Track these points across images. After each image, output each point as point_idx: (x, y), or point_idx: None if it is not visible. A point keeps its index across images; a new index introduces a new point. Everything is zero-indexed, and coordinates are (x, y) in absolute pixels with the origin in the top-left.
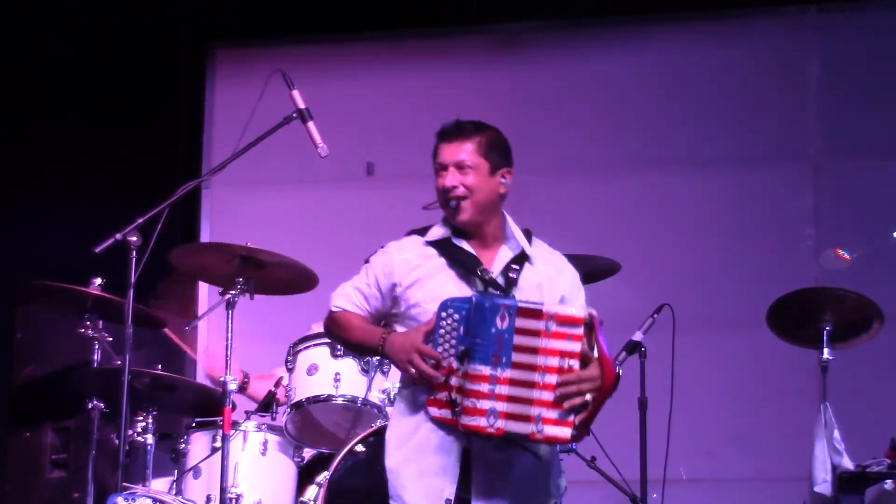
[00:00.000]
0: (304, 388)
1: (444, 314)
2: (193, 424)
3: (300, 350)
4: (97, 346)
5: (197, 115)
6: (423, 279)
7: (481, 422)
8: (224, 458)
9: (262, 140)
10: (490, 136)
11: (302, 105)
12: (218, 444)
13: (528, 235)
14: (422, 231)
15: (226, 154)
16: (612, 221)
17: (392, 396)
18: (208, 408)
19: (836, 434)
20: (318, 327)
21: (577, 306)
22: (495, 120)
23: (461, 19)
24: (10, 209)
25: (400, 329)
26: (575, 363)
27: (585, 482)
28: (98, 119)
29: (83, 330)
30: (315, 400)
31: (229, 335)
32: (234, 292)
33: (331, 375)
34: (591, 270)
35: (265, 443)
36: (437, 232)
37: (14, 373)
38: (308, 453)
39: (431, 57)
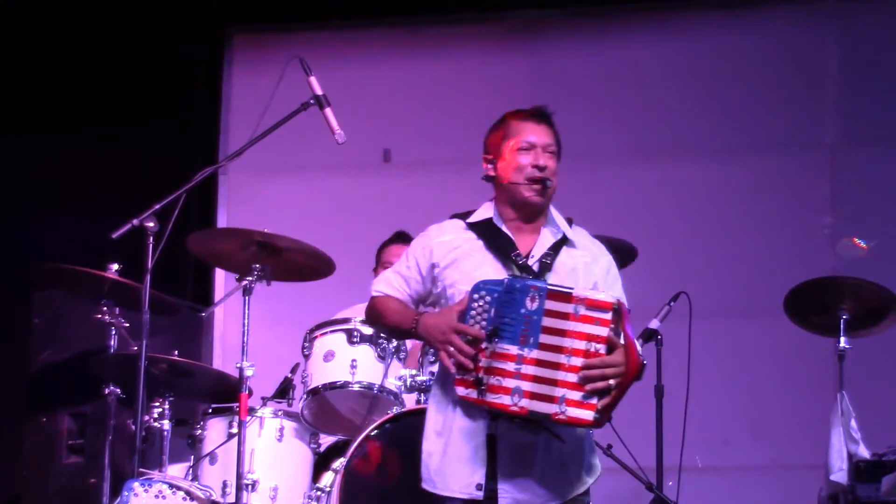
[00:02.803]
0: (320, 374)
1: (476, 296)
2: (210, 410)
3: (316, 336)
4: (114, 332)
5: (214, 101)
6: (460, 260)
7: (505, 399)
8: (240, 445)
9: (279, 126)
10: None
11: (319, 91)
12: (234, 430)
13: (570, 222)
14: (464, 215)
15: (243, 140)
16: (630, 209)
17: (408, 383)
18: (225, 394)
19: (853, 423)
20: (349, 313)
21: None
22: (512, 105)
23: (480, 6)
24: (27, 195)
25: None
26: (601, 347)
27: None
28: (115, 105)
29: (100, 315)
30: (331, 386)
31: (246, 321)
32: (250, 278)
33: (347, 362)
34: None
35: (281, 429)
36: (484, 212)
37: (31, 358)
38: (325, 440)
39: (449, 44)
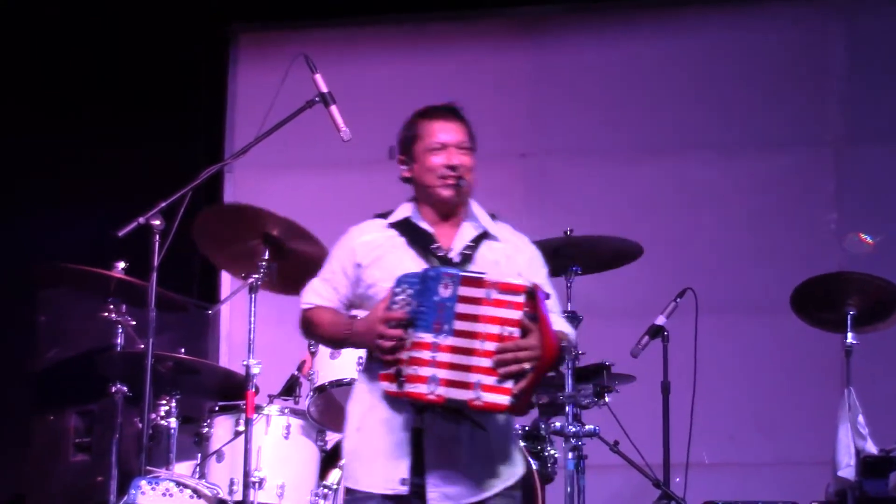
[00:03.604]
0: (327, 371)
1: (398, 289)
2: (216, 408)
3: None
4: (120, 330)
5: (220, 98)
6: (382, 258)
7: (422, 388)
8: (247, 442)
9: (284, 124)
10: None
11: (324, 89)
12: (241, 427)
13: (494, 217)
14: (384, 214)
15: (248, 138)
16: (635, 206)
17: None
18: (231, 391)
19: (860, 418)
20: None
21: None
22: (517, 103)
23: (483, 2)
24: (31, 194)
25: (362, 314)
26: (515, 331)
27: (608, 466)
28: (121, 103)
29: (106, 313)
30: (338, 383)
31: (252, 319)
32: (256, 276)
33: (354, 359)
34: (614, 253)
35: (288, 427)
36: (403, 212)
37: (37, 356)
38: (331, 438)
39: (454, 40)
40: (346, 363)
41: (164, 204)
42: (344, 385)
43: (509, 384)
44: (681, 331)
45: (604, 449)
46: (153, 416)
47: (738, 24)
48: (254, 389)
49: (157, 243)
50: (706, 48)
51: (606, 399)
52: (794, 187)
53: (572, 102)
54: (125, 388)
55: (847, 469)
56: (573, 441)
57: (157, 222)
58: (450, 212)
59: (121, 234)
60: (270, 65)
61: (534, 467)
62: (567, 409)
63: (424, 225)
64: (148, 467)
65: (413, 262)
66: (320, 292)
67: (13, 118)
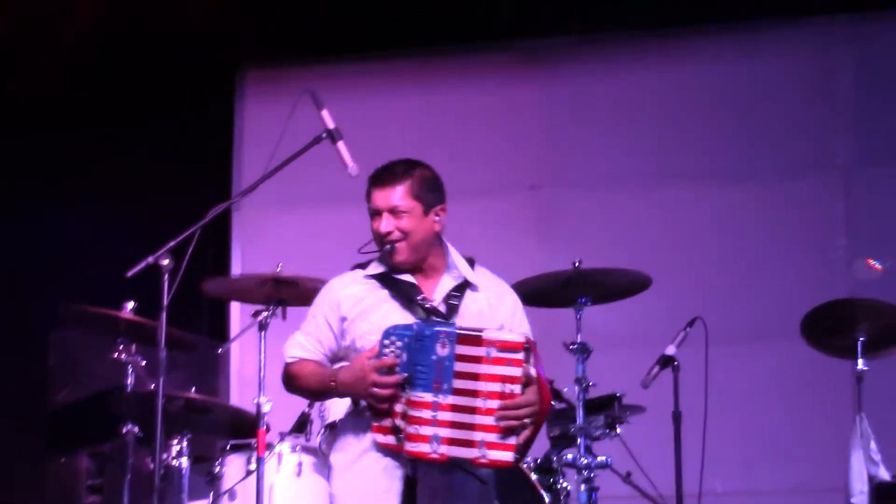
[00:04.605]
0: (337, 407)
1: (386, 342)
2: (228, 447)
3: None
4: (131, 370)
5: (227, 136)
6: (368, 311)
7: (424, 448)
8: (259, 481)
9: (292, 161)
10: (421, 176)
11: (331, 125)
12: (253, 466)
13: (471, 263)
14: (362, 266)
15: (256, 175)
16: (644, 235)
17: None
18: (242, 430)
19: (873, 445)
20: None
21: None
22: (526, 135)
23: (490, 35)
24: (42, 235)
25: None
26: (516, 388)
27: (621, 497)
28: (129, 141)
29: (116, 354)
30: None
31: (262, 357)
32: (266, 313)
33: None
34: (623, 285)
35: (300, 464)
36: (376, 268)
37: (49, 398)
38: None
39: (461, 74)
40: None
41: (172, 243)
42: None
43: (512, 440)
44: (691, 360)
45: (616, 480)
46: (165, 455)
47: (746, 52)
48: (265, 427)
49: (166, 282)
50: (714, 76)
51: (618, 430)
52: (802, 213)
53: (581, 134)
54: (136, 429)
55: (860, 496)
56: (585, 473)
57: (166, 262)
58: (418, 267)
59: (129, 274)
60: (277, 101)
61: (546, 500)
62: (579, 440)
63: (406, 276)
64: None
65: (399, 315)
66: (304, 345)
67: (21, 165)
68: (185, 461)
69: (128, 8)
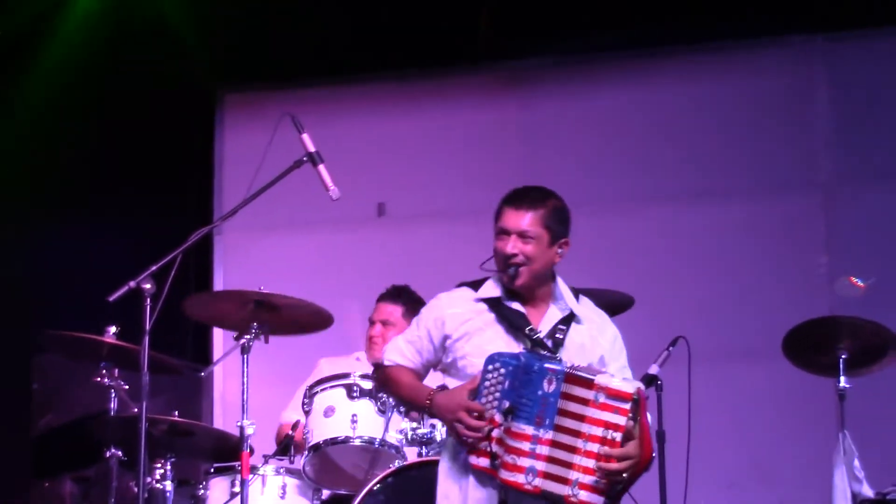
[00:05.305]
0: (321, 430)
1: (490, 367)
2: (212, 470)
3: (316, 392)
4: (114, 395)
5: (207, 160)
6: (472, 333)
7: (520, 478)
8: (243, 503)
9: (273, 184)
10: (553, 206)
11: (312, 148)
12: (237, 488)
13: (576, 294)
14: (473, 285)
15: (237, 199)
16: (625, 256)
17: (410, 436)
18: (226, 453)
19: (856, 462)
20: (327, 363)
21: (617, 368)
22: (504, 158)
23: (469, 58)
24: (23, 260)
25: (448, 380)
26: (618, 435)
27: None
28: (108, 167)
29: (99, 378)
30: (333, 442)
31: (245, 380)
32: (248, 336)
33: (348, 417)
34: (606, 305)
35: (284, 486)
36: (490, 290)
37: (32, 423)
38: (327, 494)
39: (440, 96)
40: (340, 421)
41: (154, 268)
42: (338, 443)
43: (605, 486)
44: (674, 380)
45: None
46: (149, 479)
47: (724, 73)
48: (248, 450)
49: (148, 307)
50: (693, 96)
51: None
52: (784, 231)
53: (560, 155)
54: (120, 453)
55: None
56: None
57: (148, 286)
58: (530, 294)
59: (112, 298)
60: (257, 125)
61: None
62: None
63: (515, 304)
64: None
65: (503, 341)
66: (404, 352)
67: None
68: (169, 484)
69: (107, 33)
